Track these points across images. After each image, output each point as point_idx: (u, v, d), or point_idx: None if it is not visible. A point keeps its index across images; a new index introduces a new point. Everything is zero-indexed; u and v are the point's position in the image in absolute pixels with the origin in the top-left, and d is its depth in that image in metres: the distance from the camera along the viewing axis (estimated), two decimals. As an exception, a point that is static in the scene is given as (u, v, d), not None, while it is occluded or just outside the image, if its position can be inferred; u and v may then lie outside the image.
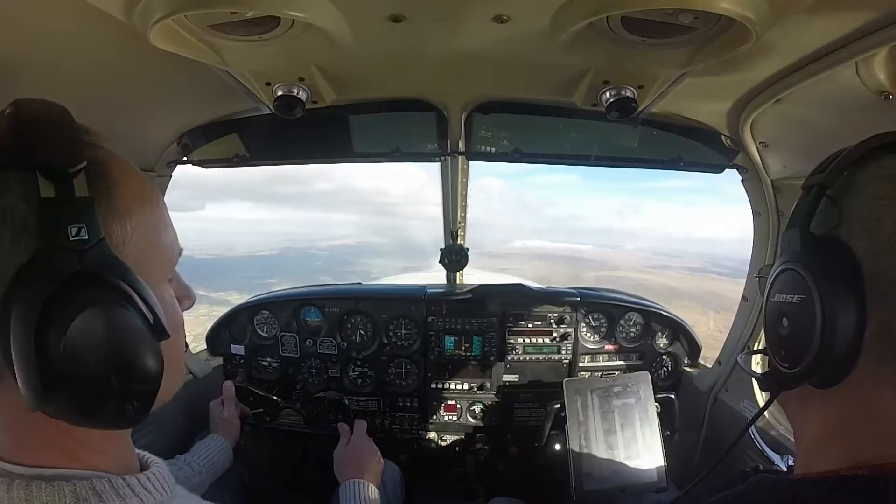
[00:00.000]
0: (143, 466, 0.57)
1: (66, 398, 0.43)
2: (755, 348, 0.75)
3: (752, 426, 1.50)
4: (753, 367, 1.53)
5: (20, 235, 0.43)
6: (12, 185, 0.44)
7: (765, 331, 0.59)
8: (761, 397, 1.56)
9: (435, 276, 2.53)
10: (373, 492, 1.27)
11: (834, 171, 0.53)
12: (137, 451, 0.59)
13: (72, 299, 0.43)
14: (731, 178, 1.58)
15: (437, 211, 2.05)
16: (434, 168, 1.85)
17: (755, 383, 1.57)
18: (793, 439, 0.60)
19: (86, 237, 0.45)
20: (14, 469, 0.47)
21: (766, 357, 0.62)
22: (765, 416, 1.51)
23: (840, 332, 0.47)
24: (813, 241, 0.53)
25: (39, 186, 0.44)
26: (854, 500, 0.45)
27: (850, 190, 0.52)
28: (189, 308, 0.62)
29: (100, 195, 0.47)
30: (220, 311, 2.08)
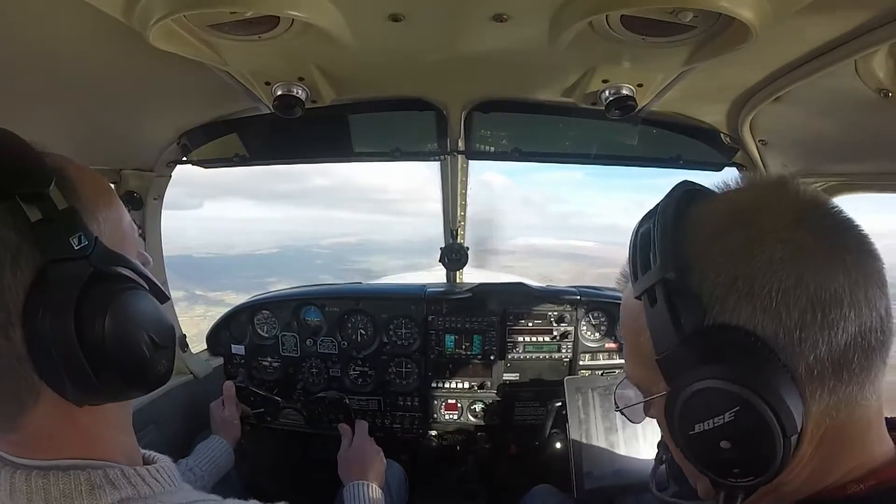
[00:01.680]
0: (148, 463, 0.59)
1: (116, 377, 0.50)
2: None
3: None
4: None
5: (18, 260, 0.46)
6: None
7: (698, 464, 0.49)
8: None
9: (435, 274, 2.53)
10: (376, 492, 1.27)
11: (664, 257, 0.48)
12: (142, 450, 0.61)
13: (98, 296, 0.49)
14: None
15: (439, 207, 2.05)
16: (436, 164, 1.85)
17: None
18: None
19: (86, 243, 0.49)
20: (31, 462, 0.50)
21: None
22: None
23: (794, 411, 0.43)
24: (701, 342, 0.46)
25: (26, 212, 0.46)
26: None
27: (693, 264, 0.47)
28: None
29: (74, 201, 0.50)
30: (217, 311, 2.08)
